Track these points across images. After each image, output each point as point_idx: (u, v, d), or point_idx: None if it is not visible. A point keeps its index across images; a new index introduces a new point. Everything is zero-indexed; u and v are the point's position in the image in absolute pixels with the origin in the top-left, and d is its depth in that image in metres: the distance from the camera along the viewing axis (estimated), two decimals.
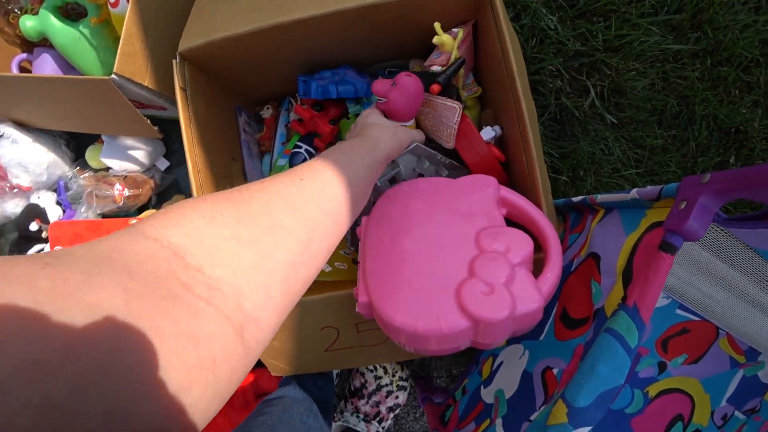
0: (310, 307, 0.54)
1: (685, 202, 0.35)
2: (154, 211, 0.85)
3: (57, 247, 0.68)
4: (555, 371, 0.49)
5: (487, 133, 0.60)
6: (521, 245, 0.42)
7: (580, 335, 0.48)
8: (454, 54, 0.57)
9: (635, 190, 0.45)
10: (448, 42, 0.56)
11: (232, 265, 0.25)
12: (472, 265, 0.40)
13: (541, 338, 0.57)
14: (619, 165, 0.80)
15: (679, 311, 0.60)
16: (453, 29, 0.60)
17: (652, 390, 0.63)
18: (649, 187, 0.43)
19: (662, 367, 0.62)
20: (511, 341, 0.64)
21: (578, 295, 0.52)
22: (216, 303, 0.23)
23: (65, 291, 0.18)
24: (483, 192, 0.49)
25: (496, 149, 0.60)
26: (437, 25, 0.56)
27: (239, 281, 0.25)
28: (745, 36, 0.78)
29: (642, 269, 0.39)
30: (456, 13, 0.59)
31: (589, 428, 0.36)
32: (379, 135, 0.48)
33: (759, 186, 0.30)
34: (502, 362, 0.63)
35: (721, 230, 0.41)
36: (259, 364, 0.81)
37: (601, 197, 0.52)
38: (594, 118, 0.81)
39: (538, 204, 0.52)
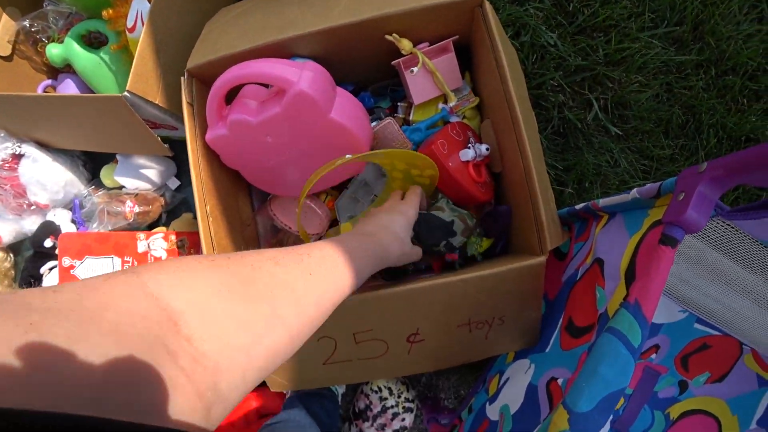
0: None
1: (684, 194, 0.34)
2: (164, 228, 0.86)
3: (57, 286, 0.69)
4: (560, 381, 0.46)
5: (465, 154, 0.59)
6: None
7: (584, 343, 0.46)
8: (420, 56, 0.60)
9: (635, 189, 0.44)
10: (407, 44, 0.59)
11: (221, 343, 0.25)
12: None
13: (547, 350, 0.54)
14: (627, 177, 0.78)
15: (697, 325, 0.57)
16: (424, 42, 0.61)
17: (674, 411, 0.59)
18: (648, 185, 0.42)
19: (683, 386, 0.58)
20: (518, 356, 0.62)
21: (583, 303, 0.50)
22: (195, 378, 0.23)
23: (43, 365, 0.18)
24: None
25: (474, 170, 0.60)
26: (390, 36, 0.58)
27: (222, 360, 0.25)
28: (749, 45, 0.78)
29: (644, 266, 0.38)
30: (450, 29, 0.60)
31: None
32: (391, 248, 0.48)
33: (757, 168, 0.29)
34: (508, 378, 0.60)
35: (727, 224, 0.40)
36: (262, 383, 0.80)
37: (603, 201, 0.51)
38: (598, 131, 0.80)
39: (537, 213, 0.51)
